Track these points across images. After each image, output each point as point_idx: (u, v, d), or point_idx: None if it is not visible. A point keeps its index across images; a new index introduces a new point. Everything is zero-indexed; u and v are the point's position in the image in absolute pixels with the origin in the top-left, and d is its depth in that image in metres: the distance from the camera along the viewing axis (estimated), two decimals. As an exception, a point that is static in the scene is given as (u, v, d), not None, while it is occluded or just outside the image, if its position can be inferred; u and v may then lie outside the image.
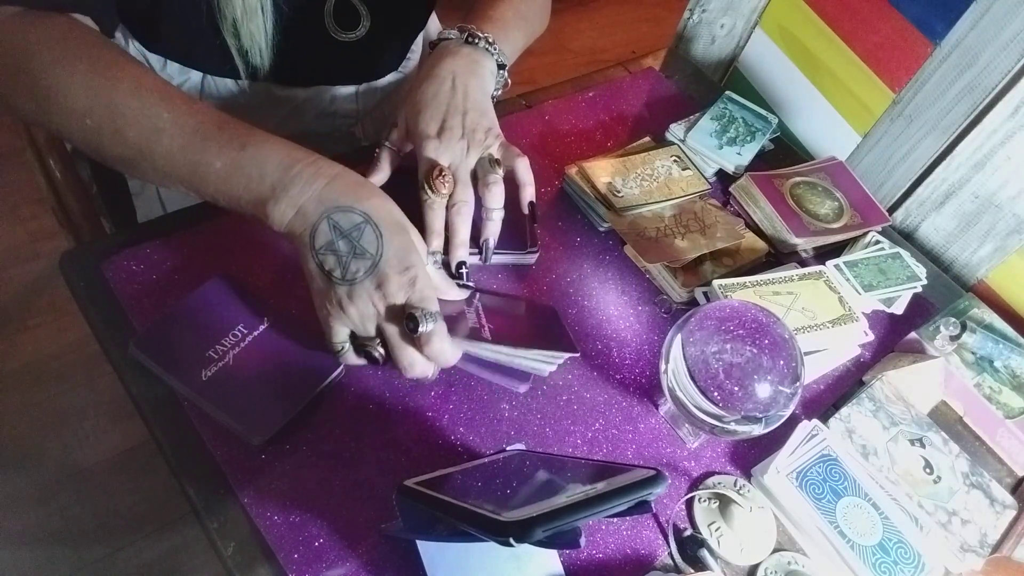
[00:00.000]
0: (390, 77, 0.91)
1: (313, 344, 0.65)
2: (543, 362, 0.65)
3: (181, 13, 0.72)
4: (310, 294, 0.60)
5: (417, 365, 0.59)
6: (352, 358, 0.60)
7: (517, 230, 0.77)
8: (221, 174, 0.58)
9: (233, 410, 0.59)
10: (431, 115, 0.69)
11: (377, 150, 0.71)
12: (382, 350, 0.59)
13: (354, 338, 0.60)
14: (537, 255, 0.78)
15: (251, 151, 0.57)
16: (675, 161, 0.89)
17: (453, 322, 0.61)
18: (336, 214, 0.56)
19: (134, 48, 0.81)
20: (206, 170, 0.58)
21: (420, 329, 0.56)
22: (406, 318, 0.57)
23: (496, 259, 0.74)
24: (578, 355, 0.69)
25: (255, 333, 0.64)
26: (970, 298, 0.86)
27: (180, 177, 0.59)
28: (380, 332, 0.58)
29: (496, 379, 0.66)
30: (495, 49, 0.75)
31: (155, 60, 0.80)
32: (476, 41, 0.74)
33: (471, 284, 0.68)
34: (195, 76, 0.80)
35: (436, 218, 0.66)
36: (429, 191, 0.66)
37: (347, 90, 0.87)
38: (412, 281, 0.57)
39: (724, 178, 0.92)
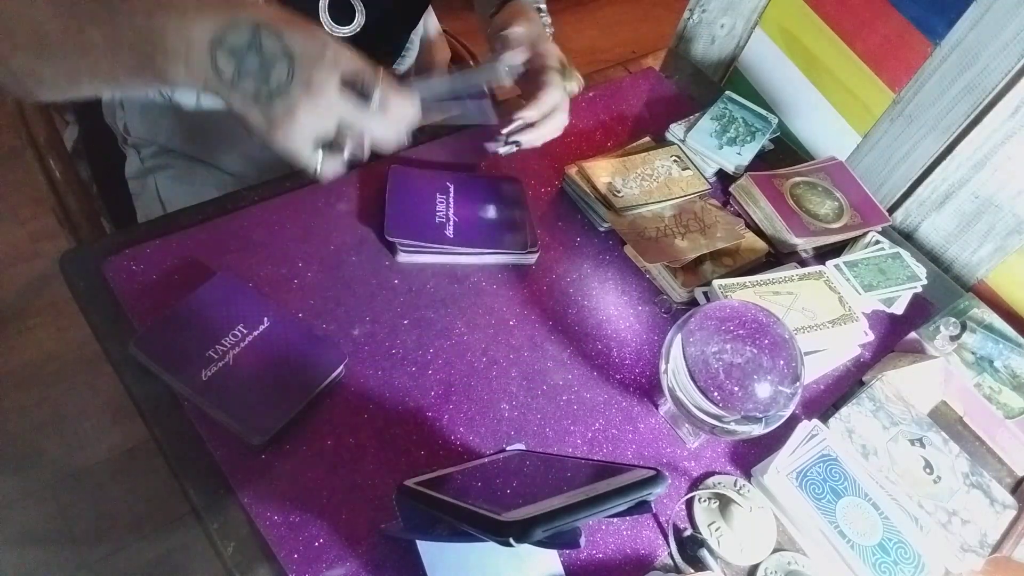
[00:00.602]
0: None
1: (314, 343, 0.65)
2: (501, 262, 0.71)
3: None
4: (256, 133, 0.56)
5: (390, 131, 0.58)
6: (330, 164, 0.58)
7: (518, 230, 0.77)
8: (105, 49, 0.54)
9: (233, 410, 0.59)
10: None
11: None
12: (349, 143, 0.57)
13: (321, 147, 0.57)
14: (537, 255, 0.78)
15: (120, 10, 0.53)
16: (675, 161, 0.89)
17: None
18: (226, 37, 0.52)
19: None
20: (92, 51, 0.54)
21: (372, 96, 0.55)
22: (354, 92, 0.55)
23: (496, 259, 0.75)
24: (534, 257, 0.75)
25: (255, 333, 0.63)
26: (970, 298, 0.86)
27: (77, 68, 0.55)
28: (339, 123, 0.56)
29: (463, 112, 0.68)
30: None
31: None
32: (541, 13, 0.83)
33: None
34: None
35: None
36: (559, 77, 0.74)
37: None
38: (335, 60, 0.54)
39: (724, 178, 0.92)
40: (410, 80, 0.65)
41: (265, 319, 0.64)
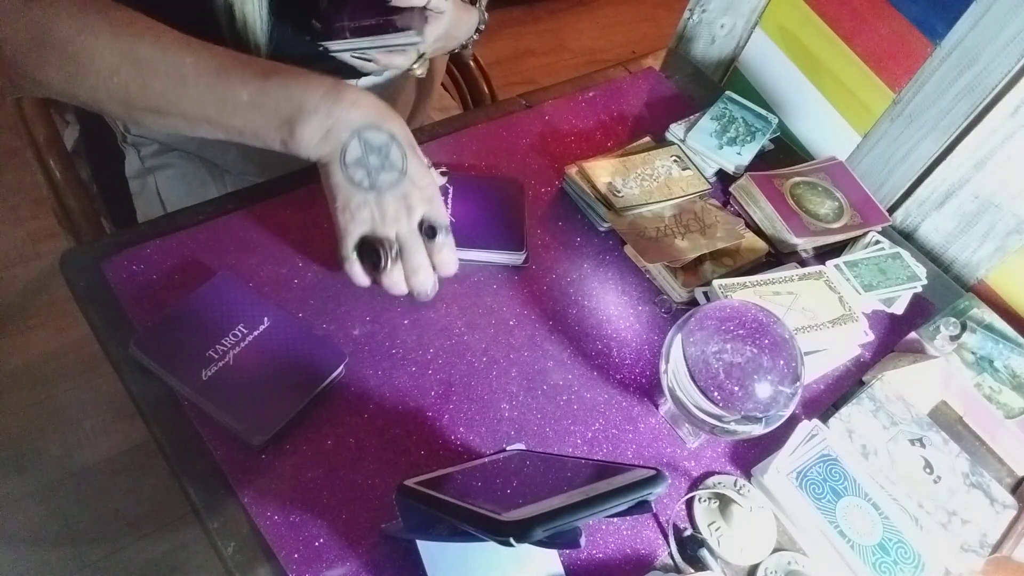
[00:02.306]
0: (388, 73, 0.91)
1: (314, 343, 0.65)
2: (490, 260, 0.76)
3: (178, 15, 0.72)
4: (330, 212, 0.65)
5: (423, 268, 0.66)
6: (358, 269, 0.66)
7: (510, 231, 0.78)
8: (248, 104, 0.62)
9: (233, 410, 0.59)
10: None
11: None
12: (393, 253, 0.65)
13: (361, 249, 0.65)
14: (524, 255, 0.77)
15: (276, 79, 0.62)
16: (675, 161, 0.89)
17: None
18: (367, 132, 0.62)
19: None
20: (234, 103, 0.62)
21: (438, 238, 0.65)
22: (427, 227, 0.65)
23: (485, 256, 0.76)
24: (522, 258, 0.77)
25: (255, 333, 0.64)
26: (970, 298, 0.86)
27: (207, 116, 0.63)
28: (398, 238, 0.65)
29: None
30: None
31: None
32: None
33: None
34: None
35: None
36: None
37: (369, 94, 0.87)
38: (431, 198, 0.65)
39: (724, 178, 0.92)
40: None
41: (265, 319, 0.64)
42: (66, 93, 0.67)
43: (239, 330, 0.63)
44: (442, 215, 0.66)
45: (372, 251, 0.65)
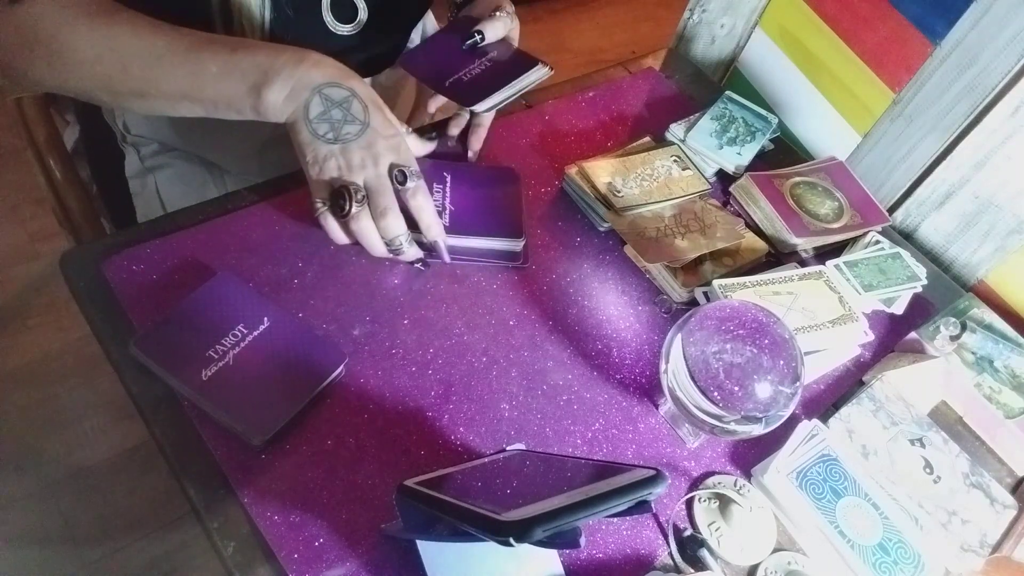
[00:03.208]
0: (388, 71, 0.91)
1: (314, 343, 0.65)
2: (489, 247, 0.76)
3: (178, 5, 0.73)
4: (303, 169, 0.68)
5: (391, 211, 0.67)
6: (330, 220, 0.67)
7: (508, 218, 0.79)
8: (218, 75, 0.65)
9: (233, 410, 0.59)
10: None
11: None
12: (359, 196, 0.66)
13: (332, 197, 0.67)
14: (523, 242, 0.77)
15: (243, 51, 0.65)
16: (675, 161, 0.89)
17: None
18: (327, 88, 0.65)
19: None
20: (205, 75, 0.65)
21: (408, 183, 0.66)
22: (396, 171, 0.66)
23: (484, 243, 0.77)
24: (520, 244, 0.77)
25: (255, 333, 0.64)
26: (970, 298, 0.86)
27: (184, 92, 0.66)
28: (365, 183, 0.66)
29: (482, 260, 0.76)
30: None
31: None
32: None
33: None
34: None
35: None
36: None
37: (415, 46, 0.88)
38: (397, 146, 0.67)
39: (724, 178, 0.92)
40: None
41: (265, 319, 0.64)
42: (59, 87, 0.70)
43: (239, 330, 0.63)
44: (410, 161, 0.68)
45: (339, 197, 0.66)
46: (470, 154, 0.84)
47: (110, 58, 0.65)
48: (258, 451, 0.60)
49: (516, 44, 0.85)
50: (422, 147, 0.77)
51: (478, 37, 0.81)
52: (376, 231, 0.68)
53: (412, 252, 0.70)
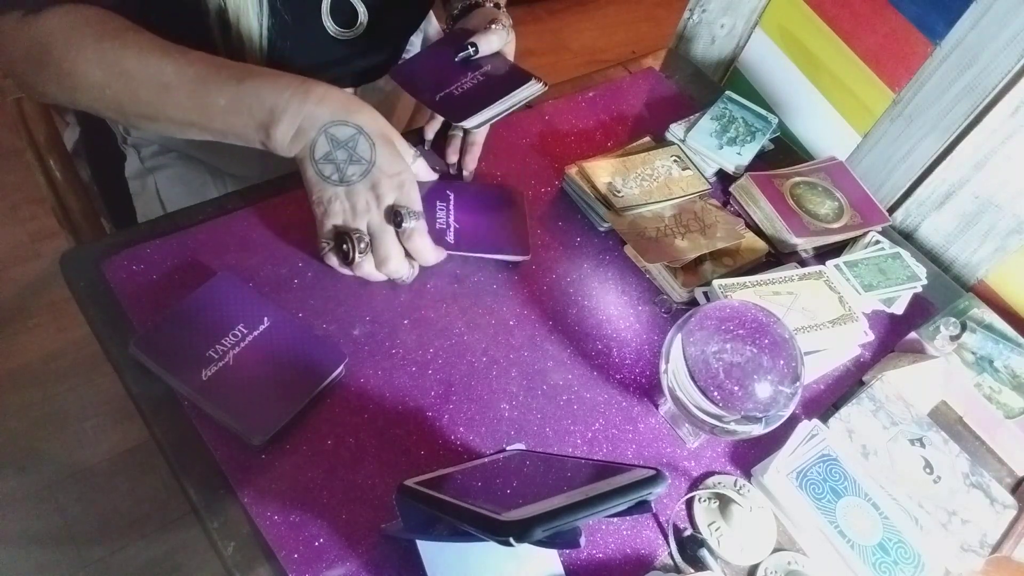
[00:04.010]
0: (387, 76, 0.91)
1: (314, 343, 0.65)
2: (499, 259, 0.76)
3: (175, 14, 0.72)
4: (311, 207, 0.68)
5: (392, 259, 0.68)
6: (333, 260, 0.69)
7: (514, 235, 0.78)
8: (226, 109, 0.65)
9: (233, 410, 0.59)
10: None
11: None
12: (362, 245, 0.67)
13: (337, 240, 0.68)
14: (542, 84, 0.79)
15: (248, 84, 0.64)
16: (675, 161, 0.89)
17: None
18: (332, 128, 0.65)
19: None
20: (212, 108, 0.65)
21: (404, 224, 0.66)
22: (393, 213, 0.66)
23: (504, 106, 0.78)
24: (527, 258, 0.77)
25: (255, 333, 0.64)
26: (970, 298, 0.86)
27: (191, 120, 0.66)
28: (368, 228, 0.67)
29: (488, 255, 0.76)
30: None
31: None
32: (499, 7, 0.88)
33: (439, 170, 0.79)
34: None
35: None
36: None
37: (346, 91, 0.87)
38: (401, 184, 0.67)
39: (724, 178, 0.92)
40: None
41: (265, 319, 0.64)
42: (71, 104, 0.70)
43: (239, 330, 0.63)
44: (412, 201, 0.67)
45: (342, 243, 0.67)
46: (465, 174, 0.83)
47: (118, 84, 0.65)
48: (258, 451, 0.60)
49: (511, 58, 0.84)
50: (429, 174, 0.77)
51: (471, 50, 0.79)
52: (378, 272, 0.69)
53: (412, 276, 0.72)
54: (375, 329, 0.69)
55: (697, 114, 0.95)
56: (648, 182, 0.85)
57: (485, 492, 0.53)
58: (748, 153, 0.92)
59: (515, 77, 0.79)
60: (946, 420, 0.77)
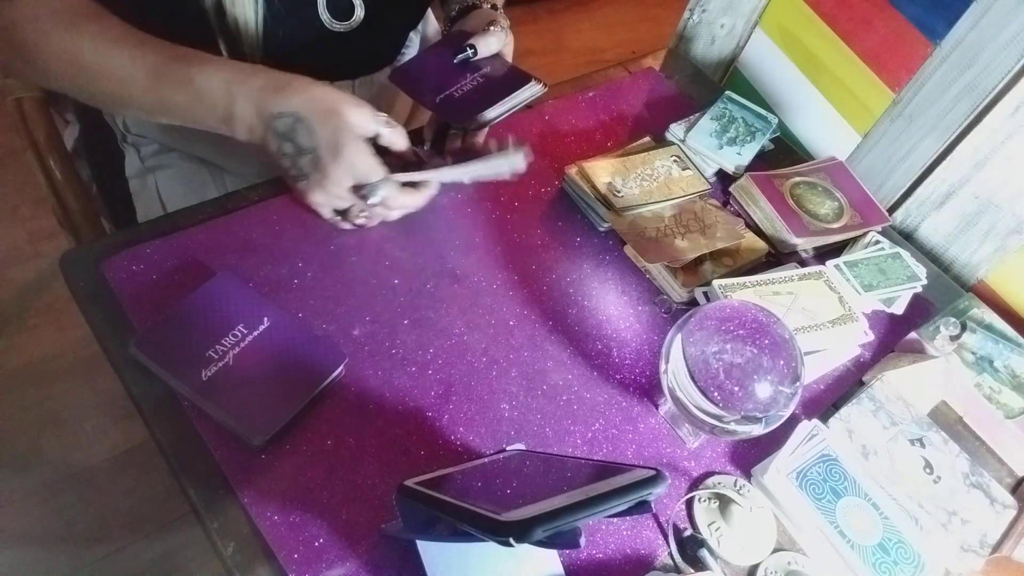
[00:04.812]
0: (387, 69, 0.91)
1: (314, 343, 0.65)
2: (494, 167, 0.75)
3: (173, 11, 0.73)
4: None
5: (392, 214, 0.72)
6: (346, 225, 0.73)
7: (510, 73, 0.80)
8: (186, 105, 0.66)
9: (233, 410, 0.59)
10: None
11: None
12: (364, 216, 0.71)
13: (343, 216, 0.72)
14: (541, 86, 0.78)
15: (198, 81, 0.64)
16: (675, 161, 0.89)
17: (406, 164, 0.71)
18: (273, 122, 0.64)
19: None
20: (172, 105, 0.66)
21: (371, 201, 0.68)
22: (360, 196, 0.68)
23: (503, 108, 0.78)
24: (539, 86, 0.78)
25: (255, 333, 0.64)
26: (970, 298, 0.86)
27: (158, 112, 0.68)
28: (355, 205, 0.70)
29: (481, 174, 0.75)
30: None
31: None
32: (496, 8, 0.87)
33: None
34: None
35: None
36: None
37: (344, 84, 0.87)
38: (349, 164, 0.66)
39: (724, 178, 0.92)
40: (428, 165, 0.74)
41: (265, 319, 0.64)
42: (47, 87, 0.72)
43: (239, 330, 0.63)
44: (367, 173, 0.67)
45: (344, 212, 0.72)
46: None
47: (81, 77, 0.66)
48: (258, 451, 0.60)
49: (510, 59, 0.84)
50: (404, 142, 0.73)
51: (470, 52, 0.79)
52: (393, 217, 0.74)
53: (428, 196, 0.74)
54: (375, 329, 0.69)
55: (697, 114, 0.95)
56: (648, 182, 0.85)
57: (485, 492, 0.53)
58: (748, 153, 0.92)
59: (515, 78, 0.79)
60: (946, 420, 0.77)
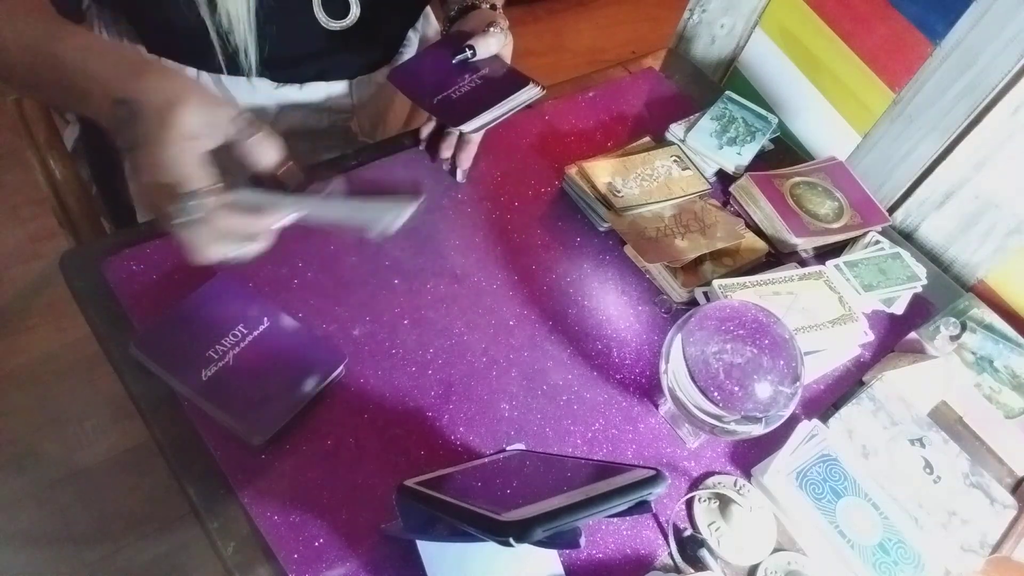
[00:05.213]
0: (384, 69, 0.91)
1: (314, 343, 0.65)
2: (379, 214, 0.59)
3: (167, 5, 0.72)
4: None
5: (229, 249, 0.55)
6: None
7: (508, 76, 0.79)
8: (54, 84, 0.61)
9: (233, 410, 0.59)
10: None
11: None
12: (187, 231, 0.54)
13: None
14: (539, 88, 0.78)
15: (62, 57, 0.59)
16: (675, 161, 0.89)
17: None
18: (117, 107, 0.56)
19: (127, 46, 0.81)
20: (47, 84, 0.61)
21: (182, 217, 0.53)
22: (174, 205, 0.53)
23: (502, 111, 0.76)
24: (536, 88, 0.76)
25: (255, 333, 0.64)
26: (970, 298, 0.86)
27: (36, 89, 0.64)
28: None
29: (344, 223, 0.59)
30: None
31: (150, 58, 0.80)
32: (495, 8, 0.84)
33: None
34: (189, 73, 0.81)
35: None
36: None
37: (341, 83, 0.87)
38: (162, 167, 0.54)
39: (724, 178, 0.92)
40: (293, 193, 0.59)
41: (265, 319, 0.64)
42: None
43: (239, 330, 0.63)
44: (184, 180, 0.54)
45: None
46: (458, 173, 0.83)
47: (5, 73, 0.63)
48: (258, 451, 0.60)
49: (508, 60, 0.83)
50: (273, 153, 0.60)
51: (469, 52, 0.78)
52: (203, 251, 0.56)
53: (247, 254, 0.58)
54: (375, 329, 0.69)
55: (697, 114, 0.95)
56: (648, 182, 0.85)
57: (485, 492, 0.53)
58: (748, 153, 0.92)
59: (513, 80, 0.79)
60: (946, 420, 0.77)
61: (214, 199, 0.54)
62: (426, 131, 0.84)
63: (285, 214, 0.57)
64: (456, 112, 0.76)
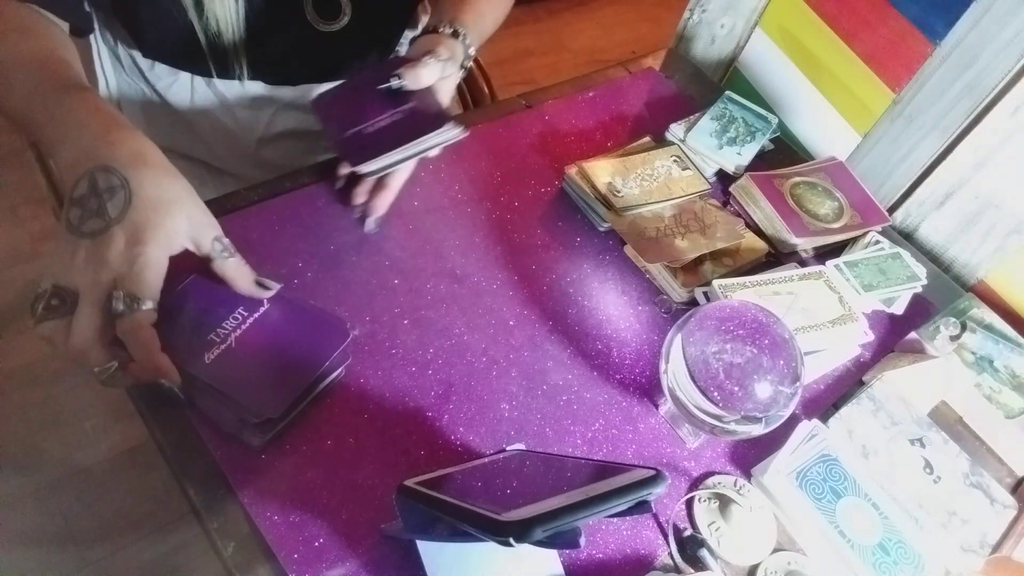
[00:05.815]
0: None
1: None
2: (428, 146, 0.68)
3: (158, 10, 0.72)
4: None
5: (78, 336, 0.51)
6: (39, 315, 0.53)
7: (426, 113, 0.72)
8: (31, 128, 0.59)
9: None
10: None
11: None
12: (54, 302, 0.52)
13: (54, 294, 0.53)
14: (460, 129, 0.72)
15: (57, 113, 0.57)
16: (675, 161, 0.89)
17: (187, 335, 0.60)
18: (99, 172, 0.53)
19: (123, 51, 0.81)
20: (50, 142, 0.58)
21: (113, 309, 0.51)
22: (112, 294, 0.52)
23: (409, 152, 0.70)
24: (457, 130, 0.71)
25: (257, 314, 0.63)
26: (970, 298, 0.86)
27: (25, 128, 0.60)
28: (78, 291, 0.52)
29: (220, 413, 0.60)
30: (467, 42, 0.78)
31: (144, 63, 0.80)
32: (457, 35, 0.77)
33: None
34: (184, 77, 0.81)
35: None
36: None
37: (335, 84, 0.87)
38: (134, 259, 0.52)
39: (724, 178, 0.92)
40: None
41: (265, 300, 0.64)
42: None
43: (240, 312, 0.63)
44: (139, 286, 0.52)
45: (37, 300, 0.53)
46: (368, 222, 0.74)
47: None
48: (258, 451, 0.60)
49: (450, 92, 0.76)
50: (243, 279, 0.61)
51: (394, 82, 0.70)
52: (61, 340, 0.52)
53: (108, 371, 0.54)
54: (375, 329, 0.69)
55: (697, 114, 0.95)
56: (648, 182, 0.85)
57: (485, 492, 0.53)
58: (748, 153, 0.92)
59: (432, 119, 0.71)
60: (946, 420, 0.77)
61: (149, 311, 0.53)
62: (345, 168, 0.75)
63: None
64: (359, 150, 0.68)
